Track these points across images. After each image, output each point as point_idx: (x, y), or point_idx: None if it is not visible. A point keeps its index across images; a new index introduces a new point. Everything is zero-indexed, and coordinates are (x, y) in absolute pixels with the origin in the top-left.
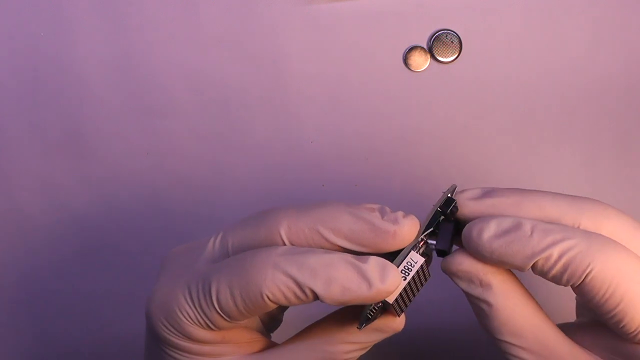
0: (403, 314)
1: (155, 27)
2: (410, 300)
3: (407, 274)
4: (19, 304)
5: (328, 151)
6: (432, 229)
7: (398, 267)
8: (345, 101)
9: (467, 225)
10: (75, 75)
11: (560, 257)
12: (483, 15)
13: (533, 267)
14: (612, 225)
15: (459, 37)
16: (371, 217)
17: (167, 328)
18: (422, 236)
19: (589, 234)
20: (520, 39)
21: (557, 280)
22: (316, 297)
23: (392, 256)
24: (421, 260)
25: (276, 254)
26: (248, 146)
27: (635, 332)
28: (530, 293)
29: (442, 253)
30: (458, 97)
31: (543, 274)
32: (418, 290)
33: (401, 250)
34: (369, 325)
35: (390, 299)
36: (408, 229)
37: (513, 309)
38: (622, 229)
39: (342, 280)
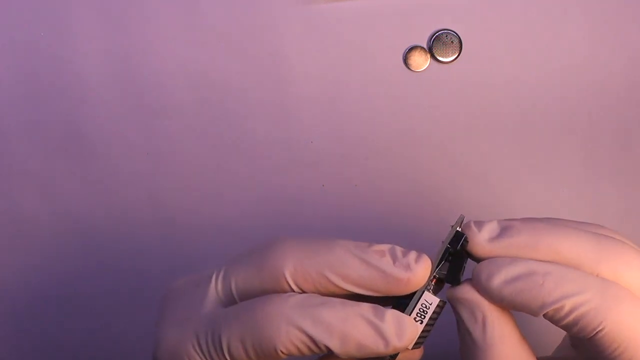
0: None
1: (156, 26)
2: (428, 332)
3: (423, 317)
4: (18, 304)
5: (328, 151)
6: (442, 262)
7: (412, 311)
8: (345, 101)
9: (477, 267)
10: (75, 75)
11: (571, 311)
12: (483, 15)
13: (544, 315)
14: (632, 275)
15: (459, 37)
16: (382, 264)
17: None
18: (434, 274)
19: (604, 287)
20: (520, 39)
21: (567, 330)
22: (331, 351)
23: (404, 297)
24: (436, 301)
25: (288, 306)
26: (248, 146)
27: None
28: (524, 338)
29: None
30: (458, 97)
31: (553, 322)
32: (435, 320)
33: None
34: None
35: (410, 347)
36: (421, 274)
37: (506, 357)
38: None
39: (358, 337)
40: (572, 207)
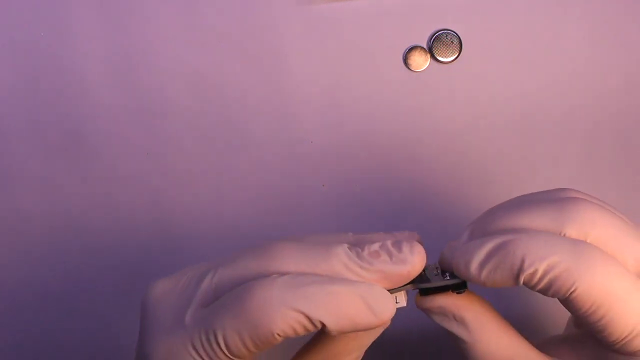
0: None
1: (155, 27)
2: None
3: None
4: (18, 304)
5: (328, 151)
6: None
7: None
8: (345, 101)
9: (453, 256)
10: (75, 75)
11: (545, 274)
12: (483, 15)
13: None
14: (598, 233)
15: (459, 37)
16: (381, 265)
17: None
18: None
19: (574, 247)
20: (520, 39)
21: (543, 293)
22: (324, 327)
23: None
24: (403, 303)
25: (278, 287)
26: (248, 146)
27: (617, 342)
28: (506, 322)
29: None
30: (458, 97)
31: (530, 288)
32: None
33: None
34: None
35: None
36: (419, 265)
37: (488, 343)
38: (609, 237)
39: (351, 314)
40: None
